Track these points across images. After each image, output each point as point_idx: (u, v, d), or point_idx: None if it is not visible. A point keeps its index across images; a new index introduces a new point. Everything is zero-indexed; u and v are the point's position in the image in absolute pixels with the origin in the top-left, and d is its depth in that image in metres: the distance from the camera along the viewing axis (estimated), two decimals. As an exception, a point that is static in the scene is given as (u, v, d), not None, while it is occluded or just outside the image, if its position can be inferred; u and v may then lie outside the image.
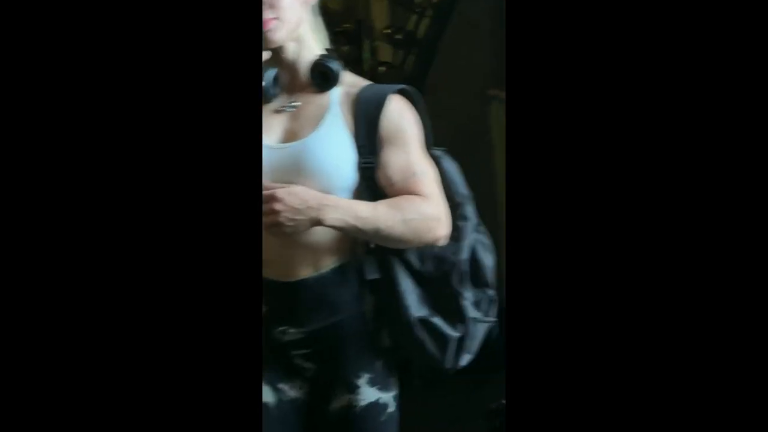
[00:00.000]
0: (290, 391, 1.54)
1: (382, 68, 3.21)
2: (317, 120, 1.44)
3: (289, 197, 1.32)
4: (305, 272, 1.46)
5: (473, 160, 3.20)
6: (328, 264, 1.46)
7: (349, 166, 1.42)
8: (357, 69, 3.49)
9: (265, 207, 1.33)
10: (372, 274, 1.46)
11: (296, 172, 1.37)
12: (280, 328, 1.51)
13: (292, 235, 1.35)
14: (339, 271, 1.47)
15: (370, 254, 1.46)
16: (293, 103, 1.49)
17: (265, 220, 1.33)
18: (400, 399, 1.56)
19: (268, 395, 1.54)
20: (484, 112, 3.22)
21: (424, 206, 1.40)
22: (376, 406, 1.49)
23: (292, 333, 1.50)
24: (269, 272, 1.47)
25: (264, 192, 1.32)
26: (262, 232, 1.26)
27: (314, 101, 1.46)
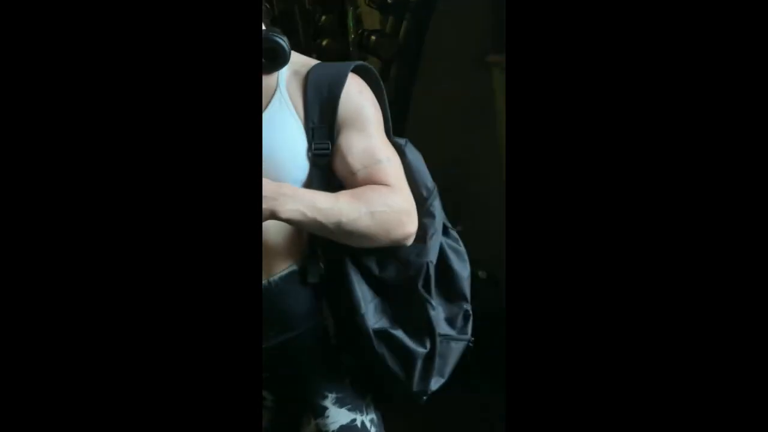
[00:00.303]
0: None
1: (373, 37, 2.97)
2: (266, 103, 1.25)
3: None
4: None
5: (475, 132, 3.00)
6: (280, 269, 1.26)
7: (299, 154, 1.23)
8: (342, 41, 3.29)
9: None
10: (313, 278, 1.26)
11: None
12: None
13: None
14: (292, 276, 1.27)
15: (315, 255, 1.27)
16: None
17: None
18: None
19: None
20: (485, 81, 2.98)
21: (392, 197, 1.21)
22: (354, 430, 1.30)
23: None
24: None
25: None
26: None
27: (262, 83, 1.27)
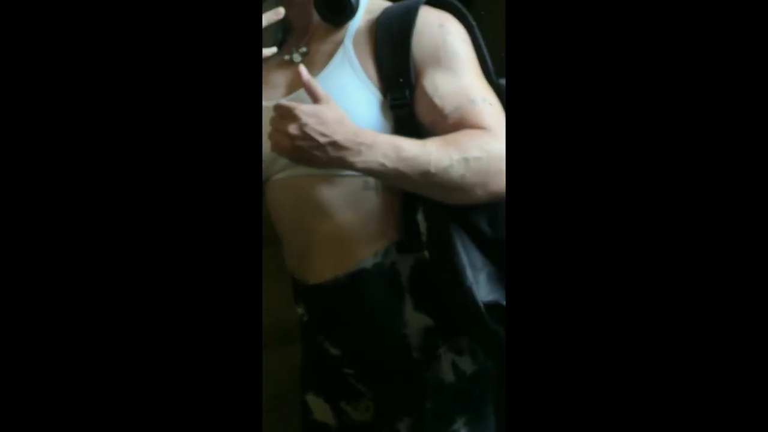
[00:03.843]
0: (355, 414, 1.21)
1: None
2: (326, 61, 1.10)
3: (312, 121, 0.97)
4: (327, 271, 1.12)
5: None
6: (359, 259, 1.10)
7: (369, 111, 1.07)
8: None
9: (276, 121, 0.99)
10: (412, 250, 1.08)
11: None
12: (320, 337, 1.18)
13: (304, 163, 1.01)
14: (367, 273, 1.10)
15: (414, 221, 1.08)
16: (301, 50, 1.15)
17: (272, 136, 0.99)
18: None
19: (326, 414, 1.23)
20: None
21: (490, 142, 1.01)
22: None
23: (331, 346, 1.18)
24: (294, 269, 1.19)
25: (281, 103, 0.98)
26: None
27: (329, 40, 1.12)
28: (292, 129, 0.96)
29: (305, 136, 0.96)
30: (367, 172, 1.00)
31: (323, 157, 0.97)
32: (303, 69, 1.00)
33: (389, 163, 0.98)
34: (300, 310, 1.22)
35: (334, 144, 0.97)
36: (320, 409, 1.24)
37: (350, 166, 0.99)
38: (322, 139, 0.96)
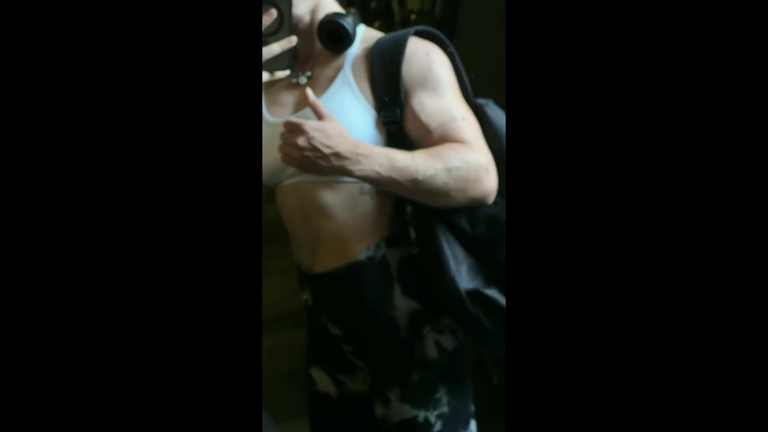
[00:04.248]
0: (353, 385, 1.41)
1: (413, 16, 3.05)
2: (328, 84, 1.27)
3: (318, 135, 1.12)
4: (329, 263, 1.30)
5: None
6: (356, 252, 1.28)
7: (366, 129, 1.23)
8: (389, 23, 3.35)
9: (286, 135, 1.15)
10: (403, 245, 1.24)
11: None
12: (323, 318, 1.37)
13: (310, 171, 1.17)
14: (362, 264, 1.28)
15: (404, 222, 1.24)
16: (306, 74, 1.32)
17: (282, 148, 1.16)
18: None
19: (328, 385, 1.43)
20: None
21: (469, 154, 1.17)
22: (414, 426, 1.31)
23: (333, 326, 1.37)
24: (301, 260, 1.37)
25: (290, 120, 1.15)
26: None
27: (330, 66, 1.29)
28: (301, 142, 1.12)
29: (312, 148, 1.12)
30: (364, 178, 1.16)
31: (327, 165, 1.13)
32: (309, 91, 1.16)
33: (383, 171, 1.14)
34: (305, 296, 1.41)
35: (337, 155, 1.13)
36: (323, 381, 1.44)
37: (350, 174, 1.14)
38: (326, 151, 1.12)
